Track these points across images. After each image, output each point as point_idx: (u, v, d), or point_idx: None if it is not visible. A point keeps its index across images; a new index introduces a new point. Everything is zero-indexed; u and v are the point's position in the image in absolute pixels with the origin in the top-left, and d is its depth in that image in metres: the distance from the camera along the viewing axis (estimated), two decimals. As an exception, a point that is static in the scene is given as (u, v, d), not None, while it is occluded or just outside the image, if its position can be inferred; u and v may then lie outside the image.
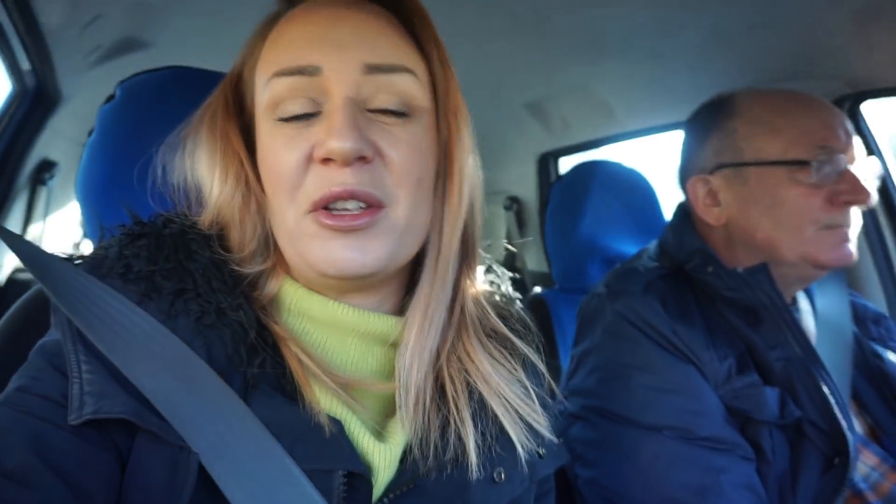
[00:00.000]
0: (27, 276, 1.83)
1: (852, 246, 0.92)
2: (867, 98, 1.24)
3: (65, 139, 1.79)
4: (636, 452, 0.86)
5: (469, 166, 0.61)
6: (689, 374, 0.89)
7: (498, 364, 0.63)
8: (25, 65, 1.51)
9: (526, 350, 0.67)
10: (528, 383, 0.65)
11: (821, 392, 0.87)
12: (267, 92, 0.56)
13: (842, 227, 0.91)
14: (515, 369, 0.65)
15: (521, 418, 0.62)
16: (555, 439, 0.65)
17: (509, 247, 2.21)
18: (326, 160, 0.53)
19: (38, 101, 1.63)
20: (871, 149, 1.29)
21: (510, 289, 0.73)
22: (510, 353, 0.65)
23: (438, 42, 0.61)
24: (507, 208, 2.35)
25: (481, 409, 0.60)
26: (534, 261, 2.36)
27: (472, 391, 0.60)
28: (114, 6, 1.29)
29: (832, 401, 0.87)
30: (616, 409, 0.90)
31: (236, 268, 0.57)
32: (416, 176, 0.56)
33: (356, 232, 0.53)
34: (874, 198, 0.90)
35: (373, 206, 0.54)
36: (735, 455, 0.85)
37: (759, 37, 1.19)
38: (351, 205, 0.53)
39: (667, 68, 1.41)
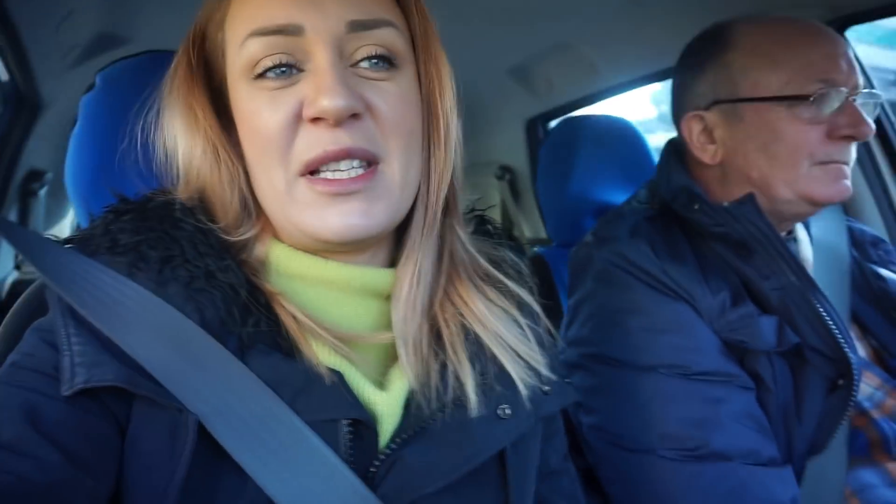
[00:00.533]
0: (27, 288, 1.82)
1: (848, 182, 0.90)
2: (852, 23, 1.21)
3: (51, 146, 1.78)
4: (634, 393, 0.86)
5: (455, 116, 0.62)
6: (682, 312, 0.89)
7: (493, 305, 0.64)
8: (4, 75, 1.50)
9: (519, 291, 0.67)
10: (523, 322, 0.65)
11: (820, 317, 0.87)
12: (243, 52, 0.54)
13: (837, 162, 0.89)
14: (510, 309, 0.65)
15: (520, 356, 0.62)
16: (552, 376, 0.65)
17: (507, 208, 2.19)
18: (317, 119, 0.52)
19: (19, 110, 1.62)
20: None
21: (502, 237, 0.73)
22: (504, 295, 0.66)
23: None
24: (499, 178, 2.34)
25: (479, 350, 0.61)
26: (531, 228, 2.35)
27: (468, 333, 0.61)
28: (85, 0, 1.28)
29: (832, 325, 0.86)
30: (612, 353, 0.89)
31: (223, 236, 0.57)
32: (408, 128, 0.57)
33: (355, 195, 0.54)
34: (873, 131, 0.88)
35: (368, 162, 0.54)
36: (733, 385, 0.85)
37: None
38: (344, 165, 0.53)
39: (644, 15, 1.38)
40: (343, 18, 0.54)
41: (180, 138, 0.59)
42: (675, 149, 1.04)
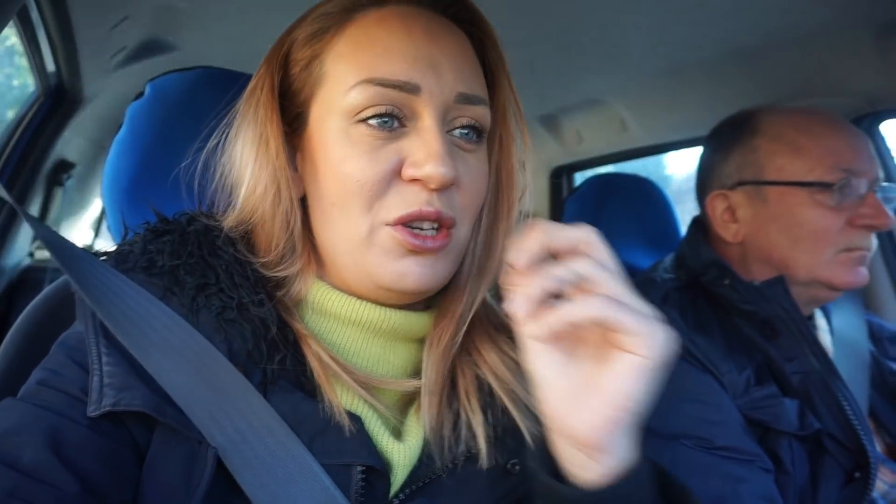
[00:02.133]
0: (40, 275, 1.83)
1: (865, 268, 0.92)
2: (887, 117, 1.24)
3: (84, 140, 1.80)
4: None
5: (528, 188, 0.65)
6: (708, 384, 0.89)
7: (506, 356, 0.64)
8: (51, 66, 1.54)
9: None
10: None
11: (839, 405, 0.87)
12: (352, 95, 0.55)
13: (859, 249, 0.91)
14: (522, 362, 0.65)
15: (530, 410, 0.61)
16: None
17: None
18: (416, 180, 0.54)
19: (59, 102, 1.65)
20: (889, 167, 1.29)
21: None
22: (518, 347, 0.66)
23: (507, 69, 0.63)
24: (518, 222, 2.34)
25: (491, 402, 0.60)
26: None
27: (481, 384, 0.61)
28: (142, 8, 1.31)
29: (851, 414, 0.87)
30: None
31: (262, 270, 0.57)
32: (480, 200, 0.60)
33: (430, 252, 0.55)
34: (893, 223, 0.91)
35: (446, 227, 0.56)
36: (755, 466, 0.84)
37: (777, 53, 1.20)
38: (426, 224, 0.55)
39: (684, 83, 1.42)
40: (454, 89, 0.56)
41: (246, 169, 0.58)
42: (700, 225, 1.07)
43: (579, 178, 2.19)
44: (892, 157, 1.30)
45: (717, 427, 0.85)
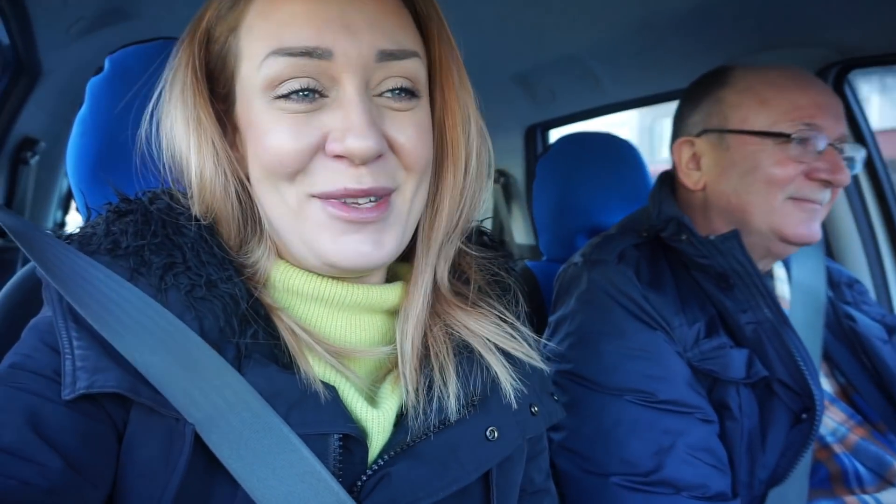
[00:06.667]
0: (12, 256, 1.80)
1: (817, 225, 0.95)
2: (855, 67, 1.24)
3: (47, 115, 1.75)
4: (601, 415, 0.89)
5: (476, 140, 0.62)
6: (656, 341, 0.92)
7: (483, 310, 0.64)
8: (4, 38, 1.47)
9: (505, 303, 0.67)
10: (508, 327, 0.64)
11: (790, 352, 0.91)
12: (263, 70, 0.53)
13: (811, 201, 0.93)
14: (496, 318, 0.65)
15: (513, 358, 0.62)
16: (544, 367, 0.65)
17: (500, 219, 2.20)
18: (340, 156, 0.53)
19: (17, 77, 1.59)
20: (857, 119, 1.30)
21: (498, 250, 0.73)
22: (490, 306, 0.66)
23: (441, 18, 0.60)
24: (494, 181, 2.34)
25: (469, 361, 0.61)
26: (521, 234, 2.36)
27: (456, 343, 0.61)
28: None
29: (800, 360, 0.90)
30: (585, 373, 0.92)
31: (230, 254, 0.57)
32: (425, 160, 0.57)
33: (370, 225, 0.54)
34: (849, 181, 0.93)
35: (384, 196, 0.55)
36: (693, 418, 0.88)
37: (746, 4, 1.19)
38: (362, 199, 0.54)
39: (654, 38, 1.40)
40: (374, 46, 0.53)
41: (189, 153, 0.57)
42: (667, 179, 1.09)
43: (553, 135, 2.18)
44: (861, 110, 1.31)
45: (659, 382, 0.89)
